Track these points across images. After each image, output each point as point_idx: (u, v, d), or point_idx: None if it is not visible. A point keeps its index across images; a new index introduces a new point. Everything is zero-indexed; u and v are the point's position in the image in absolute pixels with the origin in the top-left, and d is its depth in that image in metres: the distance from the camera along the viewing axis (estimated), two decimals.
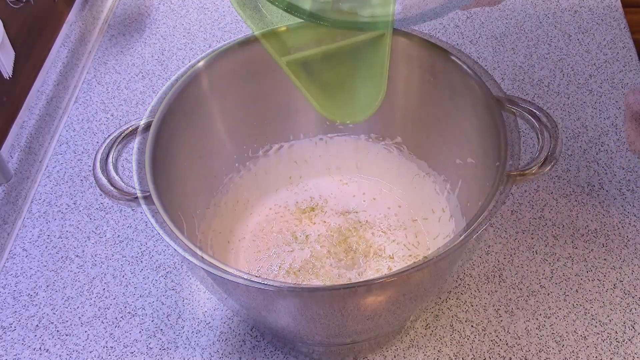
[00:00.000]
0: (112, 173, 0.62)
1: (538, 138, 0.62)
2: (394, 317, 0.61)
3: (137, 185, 0.60)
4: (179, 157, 0.69)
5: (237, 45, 0.71)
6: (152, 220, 0.57)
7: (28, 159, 0.89)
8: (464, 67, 0.66)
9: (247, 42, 0.71)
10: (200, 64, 0.69)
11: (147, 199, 0.59)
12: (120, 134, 0.65)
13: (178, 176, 0.69)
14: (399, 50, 0.70)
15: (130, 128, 0.65)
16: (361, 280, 0.54)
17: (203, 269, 0.54)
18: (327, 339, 0.65)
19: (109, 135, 0.65)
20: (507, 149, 0.59)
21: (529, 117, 0.64)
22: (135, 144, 0.63)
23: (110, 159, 0.63)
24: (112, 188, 0.61)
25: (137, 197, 0.59)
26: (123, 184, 0.62)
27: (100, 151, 0.63)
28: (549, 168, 0.60)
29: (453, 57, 0.67)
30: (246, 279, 0.53)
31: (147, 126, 0.65)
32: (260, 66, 0.72)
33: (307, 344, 0.68)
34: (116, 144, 0.64)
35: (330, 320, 0.58)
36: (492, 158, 0.62)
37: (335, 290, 0.55)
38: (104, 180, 0.62)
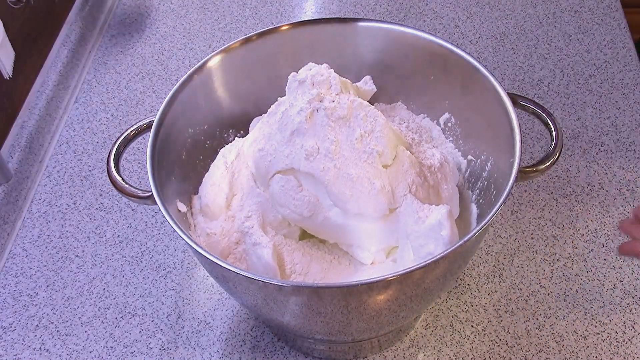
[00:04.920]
0: (119, 172, 0.63)
1: (552, 135, 0.63)
2: (395, 316, 0.61)
3: (152, 184, 0.60)
4: (189, 155, 0.70)
5: (238, 45, 0.71)
6: (168, 218, 0.57)
7: (28, 159, 0.89)
8: (475, 63, 0.66)
9: (249, 41, 0.71)
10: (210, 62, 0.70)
11: (161, 197, 0.60)
12: (131, 133, 0.65)
13: (190, 174, 0.70)
14: (410, 46, 0.71)
15: (145, 125, 0.66)
16: (363, 279, 0.54)
17: (218, 265, 0.55)
18: (329, 337, 0.65)
19: (122, 134, 0.65)
20: (521, 146, 0.60)
21: (542, 114, 0.65)
22: (148, 142, 0.63)
23: (120, 159, 0.64)
24: (127, 186, 0.62)
25: (150, 195, 0.60)
26: (125, 184, 0.63)
27: (114, 150, 0.64)
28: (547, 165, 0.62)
29: (464, 54, 0.67)
30: (257, 278, 0.54)
31: (149, 126, 0.65)
32: (260, 64, 0.72)
33: (308, 342, 0.68)
34: (125, 143, 0.65)
35: (332, 318, 0.58)
36: (503, 154, 0.62)
37: (337, 289, 0.55)
38: (118, 178, 0.63)
